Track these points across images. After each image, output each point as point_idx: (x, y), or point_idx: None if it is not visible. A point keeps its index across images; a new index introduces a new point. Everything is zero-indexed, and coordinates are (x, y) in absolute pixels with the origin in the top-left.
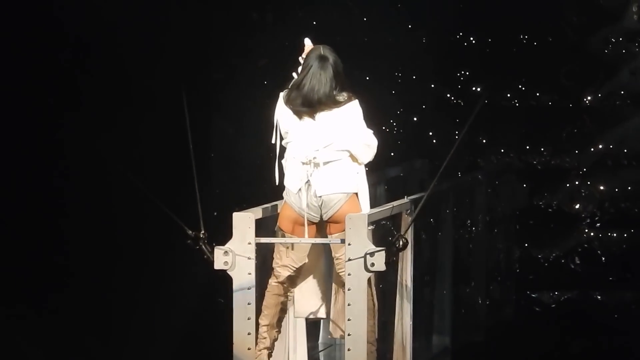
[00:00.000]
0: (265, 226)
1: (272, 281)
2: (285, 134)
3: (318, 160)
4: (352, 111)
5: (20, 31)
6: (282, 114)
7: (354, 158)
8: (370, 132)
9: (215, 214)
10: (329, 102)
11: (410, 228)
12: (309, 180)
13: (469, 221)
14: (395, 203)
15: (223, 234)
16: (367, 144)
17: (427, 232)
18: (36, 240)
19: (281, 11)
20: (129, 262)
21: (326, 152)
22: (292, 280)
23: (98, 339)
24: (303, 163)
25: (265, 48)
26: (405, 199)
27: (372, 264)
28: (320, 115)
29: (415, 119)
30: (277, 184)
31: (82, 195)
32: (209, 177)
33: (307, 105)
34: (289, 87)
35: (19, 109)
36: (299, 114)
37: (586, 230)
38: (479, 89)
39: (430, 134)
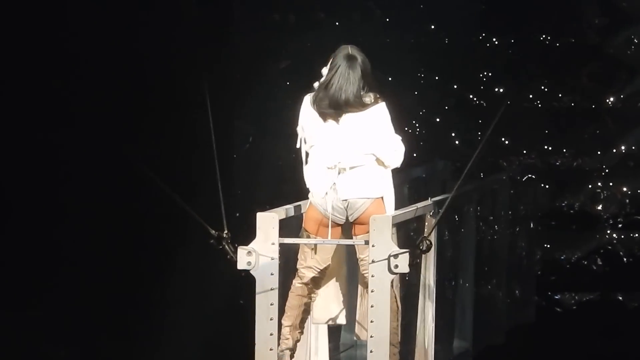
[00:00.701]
0: (289, 227)
1: (296, 282)
2: (310, 138)
3: (343, 165)
4: (379, 114)
5: (29, 29)
6: (307, 117)
7: (380, 162)
8: (398, 137)
9: (237, 214)
10: (357, 104)
11: (434, 230)
12: (334, 183)
13: (491, 223)
14: (420, 205)
15: (246, 234)
16: (394, 149)
17: (450, 234)
18: (57, 242)
19: (303, 12)
20: (152, 262)
21: (352, 156)
22: (316, 282)
23: (122, 341)
24: (328, 167)
25: (287, 49)
26: (429, 201)
27: (396, 266)
28: (346, 118)
29: (437, 119)
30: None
31: (106, 196)
32: (232, 177)
33: (334, 107)
34: (316, 87)
35: (33, 107)
36: (324, 116)
37: (608, 232)
38: (501, 90)
39: (453, 135)
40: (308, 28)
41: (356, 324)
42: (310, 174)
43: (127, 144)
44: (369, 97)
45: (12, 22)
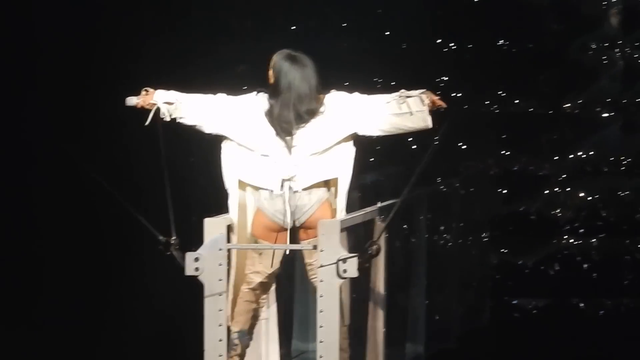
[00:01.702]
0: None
1: (244, 287)
2: (255, 144)
3: (297, 180)
4: (340, 102)
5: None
6: (253, 120)
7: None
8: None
9: (193, 219)
10: (316, 110)
11: (383, 234)
12: (283, 185)
13: (446, 227)
14: (368, 209)
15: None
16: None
17: (403, 238)
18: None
19: (260, 17)
20: (100, 267)
21: (307, 174)
22: (265, 287)
23: (73, 345)
24: (283, 179)
25: (245, 54)
26: (378, 204)
27: (345, 271)
28: (304, 127)
29: None
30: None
31: (55, 199)
32: (189, 181)
33: (295, 119)
34: (261, 96)
35: None
36: (280, 129)
37: (565, 237)
38: (458, 95)
39: (410, 139)
40: (265, 33)
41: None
42: (255, 178)
43: (75, 145)
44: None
45: None
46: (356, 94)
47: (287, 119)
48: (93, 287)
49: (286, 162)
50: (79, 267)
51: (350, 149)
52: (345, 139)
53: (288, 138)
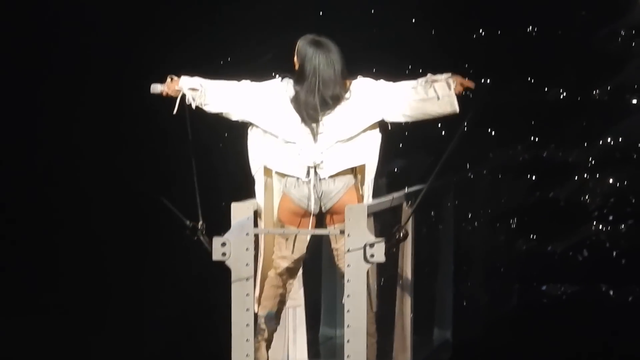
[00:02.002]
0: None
1: (271, 273)
2: (282, 132)
3: (322, 167)
4: (368, 87)
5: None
6: (279, 108)
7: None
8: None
9: (223, 203)
10: (342, 96)
11: (410, 219)
12: (309, 172)
13: (474, 214)
14: (396, 194)
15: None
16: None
17: (431, 224)
18: (30, 235)
19: (284, 4)
20: (127, 253)
21: (333, 159)
22: (291, 272)
23: (95, 332)
24: (308, 166)
25: (272, 42)
26: (406, 190)
27: (372, 255)
28: (330, 113)
29: None
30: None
31: (80, 186)
32: (218, 167)
33: (321, 106)
34: (289, 82)
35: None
36: (305, 115)
37: (594, 224)
38: (487, 82)
39: (439, 125)
40: (291, 21)
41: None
42: (280, 158)
43: (104, 131)
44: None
45: None
46: (382, 81)
47: (313, 104)
48: (122, 272)
49: (312, 149)
50: (107, 252)
51: (376, 135)
52: (372, 126)
53: (314, 125)
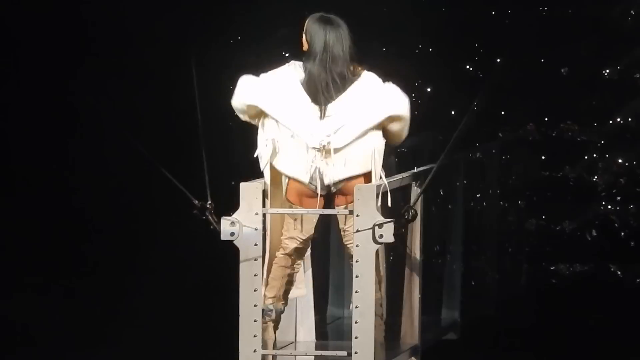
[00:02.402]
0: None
1: (279, 253)
2: (287, 119)
3: (332, 145)
4: (373, 83)
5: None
6: (287, 94)
7: (373, 136)
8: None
9: (232, 183)
10: (350, 77)
11: (419, 199)
12: (317, 166)
13: (483, 193)
14: (405, 174)
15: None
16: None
17: (440, 203)
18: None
19: None
20: (136, 231)
21: (341, 137)
22: (299, 253)
23: (103, 318)
24: (312, 148)
25: (285, 17)
26: (415, 170)
27: (381, 236)
28: (338, 95)
29: (430, 90)
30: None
31: (89, 166)
32: (229, 146)
33: (332, 84)
34: (298, 66)
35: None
36: (314, 96)
37: (604, 203)
38: (498, 61)
39: (450, 105)
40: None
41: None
42: (287, 160)
43: (110, 112)
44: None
45: None
46: (389, 83)
47: (326, 80)
48: (130, 251)
49: (320, 131)
50: (115, 231)
51: (380, 141)
52: (377, 130)
53: (324, 106)
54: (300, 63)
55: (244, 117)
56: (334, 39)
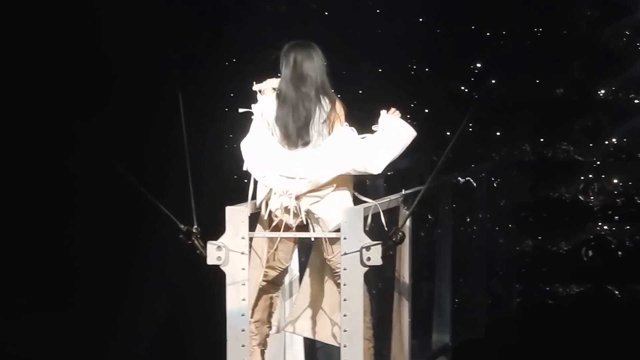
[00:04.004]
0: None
1: (261, 280)
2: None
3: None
4: (342, 140)
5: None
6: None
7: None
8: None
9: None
10: (313, 137)
11: (407, 221)
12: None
13: (477, 214)
14: (393, 197)
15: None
16: (373, 155)
17: (431, 225)
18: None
19: (294, 3)
20: (123, 257)
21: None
22: (279, 279)
23: (90, 335)
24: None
25: (278, 40)
26: (403, 192)
27: (369, 258)
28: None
29: (427, 111)
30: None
31: (77, 190)
32: (213, 171)
33: (297, 136)
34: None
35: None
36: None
37: (599, 224)
38: (492, 82)
39: (442, 126)
40: (297, 18)
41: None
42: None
43: (96, 137)
44: (327, 122)
45: None
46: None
47: (295, 103)
48: (115, 276)
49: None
50: (102, 256)
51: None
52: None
53: (292, 150)
54: None
55: None
56: (302, 58)
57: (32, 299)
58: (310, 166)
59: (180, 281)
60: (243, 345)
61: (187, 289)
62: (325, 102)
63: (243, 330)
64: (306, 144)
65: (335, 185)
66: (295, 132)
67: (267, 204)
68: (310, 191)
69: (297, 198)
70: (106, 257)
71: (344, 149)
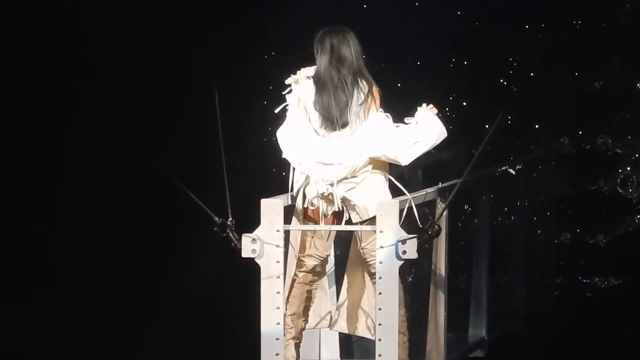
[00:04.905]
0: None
1: (298, 270)
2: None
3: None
4: (378, 125)
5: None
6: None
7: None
8: (403, 131)
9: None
10: (353, 120)
11: (444, 215)
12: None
13: (512, 207)
14: (429, 190)
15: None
16: (403, 148)
17: (469, 218)
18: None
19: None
20: (158, 250)
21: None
22: (318, 270)
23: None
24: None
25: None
26: (439, 185)
27: (404, 252)
28: (341, 131)
29: (466, 104)
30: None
31: (112, 185)
32: (249, 162)
33: (331, 122)
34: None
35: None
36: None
37: (638, 217)
38: (531, 75)
39: (479, 118)
40: (336, 11)
41: (339, 316)
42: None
43: (132, 131)
44: (364, 105)
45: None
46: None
47: (335, 82)
48: (151, 269)
49: (323, 169)
50: (137, 249)
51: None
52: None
53: (333, 132)
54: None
55: None
56: (338, 42)
57: (67, 296)
58: (347, 152)
59: (218, 274)
60: (277, 339)
61: (224, 282)
62: (363, 85)
63: (278, 324)
64: (345, 124)
65: (370, 168)
66: (337, 114)
67: (304, 193)
68: (346, 178)
69: (333, 185)
70: (143, 251)
71: (379, 134)
